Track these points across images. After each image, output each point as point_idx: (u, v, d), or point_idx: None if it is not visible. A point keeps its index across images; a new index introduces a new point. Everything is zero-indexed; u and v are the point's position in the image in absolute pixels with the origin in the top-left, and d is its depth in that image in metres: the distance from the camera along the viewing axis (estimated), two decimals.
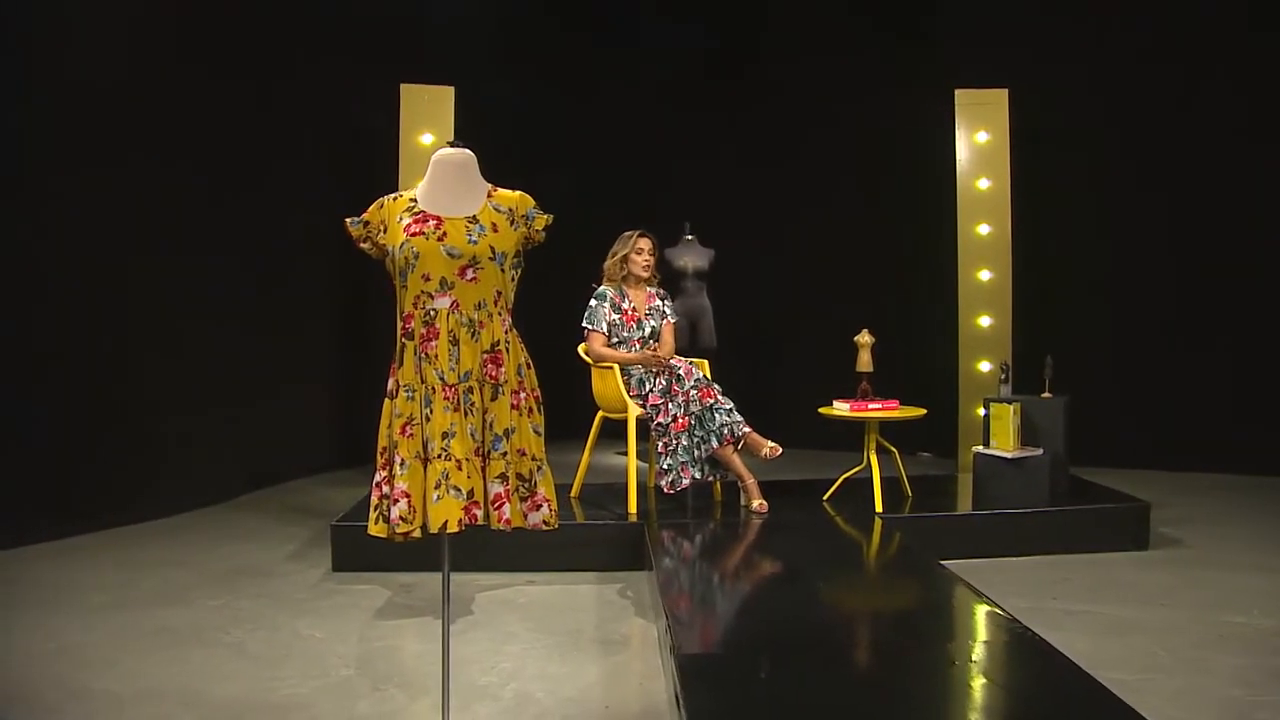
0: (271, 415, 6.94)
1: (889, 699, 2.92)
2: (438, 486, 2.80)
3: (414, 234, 2.88)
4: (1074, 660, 3.10)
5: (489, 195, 3.00)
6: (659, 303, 5.65)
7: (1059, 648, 3.22)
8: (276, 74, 6.85)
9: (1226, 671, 3.53)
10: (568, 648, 3.88)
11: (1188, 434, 7.20)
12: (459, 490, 2.79)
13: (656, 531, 4.91)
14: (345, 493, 6.42)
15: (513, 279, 3.01)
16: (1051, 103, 7.18)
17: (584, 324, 5.52)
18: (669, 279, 7.08)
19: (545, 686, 3.49)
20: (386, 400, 2.93)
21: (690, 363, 5.39)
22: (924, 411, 5.49)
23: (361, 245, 3.02)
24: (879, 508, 5.26)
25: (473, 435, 2.87)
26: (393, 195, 3.02)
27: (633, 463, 5.28)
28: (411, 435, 2.85)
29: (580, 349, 5.60)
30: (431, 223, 2.89)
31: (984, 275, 6.77)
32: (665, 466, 5.20)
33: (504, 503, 2.88)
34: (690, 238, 7.78)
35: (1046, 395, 5.68)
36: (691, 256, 7.76)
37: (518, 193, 3.05)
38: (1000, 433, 5.51)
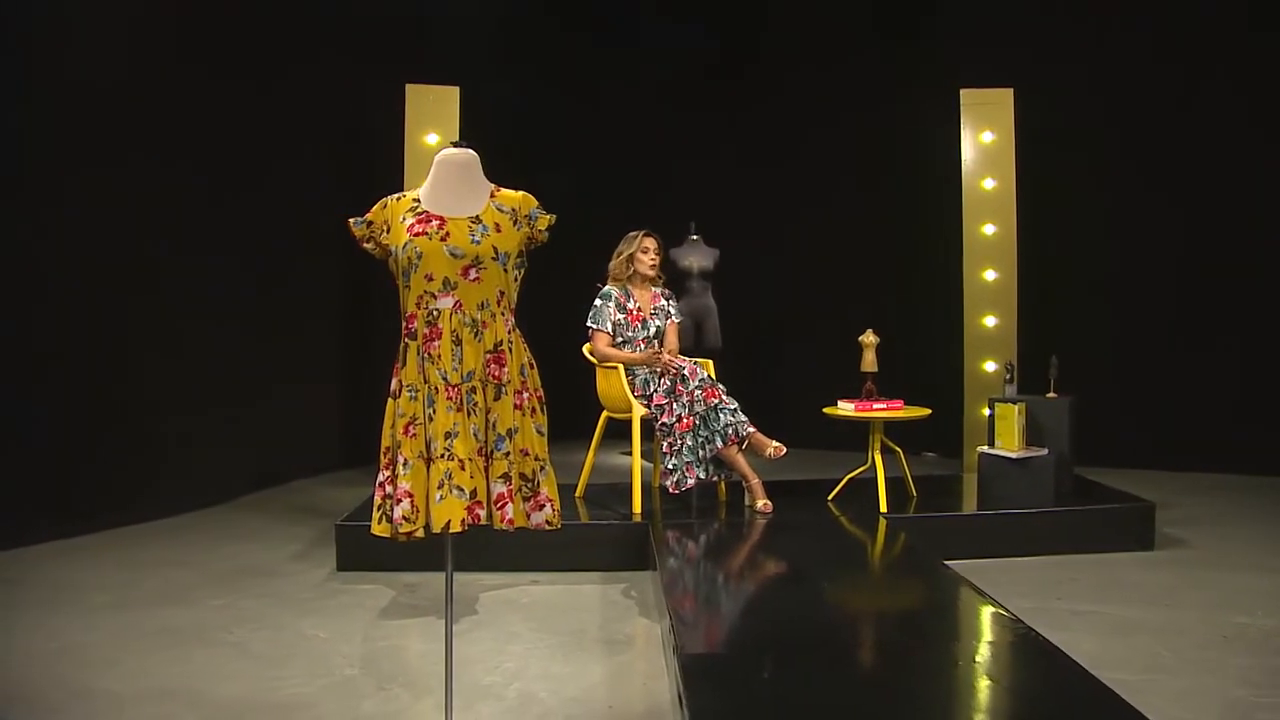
0: (275, 415, 6.94)
1: (893, 699, 2.92)
2: (441, 486, 2.79)
3: (417, 234, 2.88)
4: (1078, 661, 3.09)
5: (492, 195, 3.00)
6: (664, 303, 5.65)
7: (1063, 648, 3.21)
8: (278, 73, 6.86)
9: (1231, 672, 3.52)
10: (571, 648, 3.88)
11: (1193, 434, 7.18)
12: (462, 490, 2.79)
13: (661, 531, 4.91)
14: (350, 492, 6.42)
15: (515, 279, 3.01)
16: (1057, 102, 7.16)
17: (589, 323, 5.52)
18: (674, 279, 7.08)
19: (549, 686, 3.49)
20: (389, 400, 2.93)
21: (695, 363, 5.39)
22: (929, 411, 5.49)
23: (364, 245, 3.02)
24: (883, 508, 5.25)
25: (475, 435, 2.87)
26: (396, 195, 3.02)
27: (637, 463, 5.28)
28: (414, 435, 2.85)
29: (585, 349, 5.60)
30: (434, 223, 2.89)
31: (989, 275, 6.75)
32: (670, 466, 5.19)
33: (507, 503, 2.88)
34: (695, 238, 7.78)
35: (1051, 395, 5.67)
36: (697, 256, 7.76)
37: (520, 193, 3.05)
38: (1005, 433, 5.50)
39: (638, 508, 5.23)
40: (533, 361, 3.01)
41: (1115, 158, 7.35)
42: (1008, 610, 3.63)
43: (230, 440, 6.57)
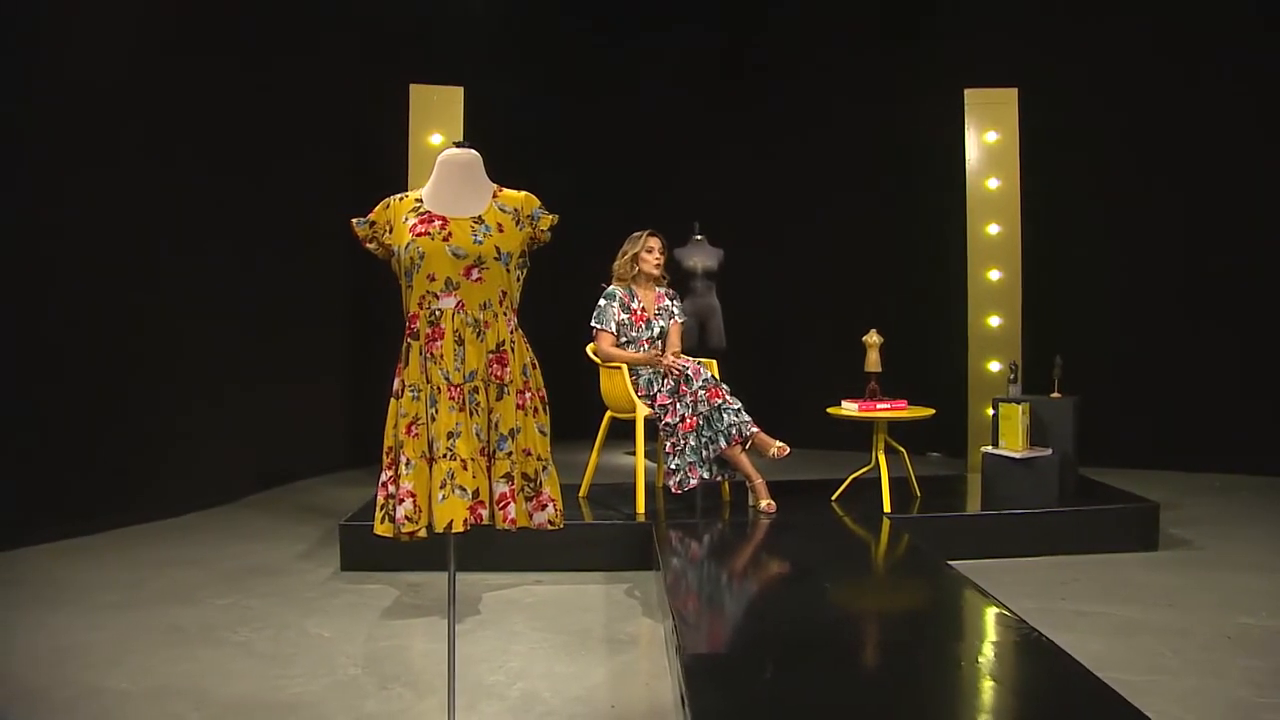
0: (281, 415, 6.96)
1: (896, 700, 2.91)
2: (443, 486, 2.80)
3: (419, 234, 2.89)
4: (1082, 662, 3.08)
5: (494, 195, 3.01)
6: (668, 303, 5.65)
7: (1067, 648, 3.21)
8: (282, 73, 6.88)
9: (1235, 673, 3.51)
10: (574, 647, 3.88)
11: (1197, 434, 7.18)
12: (464, 490, 2.80)
13: (664, 531, 4.91)
14: (355, 492, 6.44)
15: (518, 279, 3.01)
16: (1061, 102, 7.17)
17: (593, 323, 5.52)
18: (678, 279, 7.08)
19: (551, 686, 3.50)
20: (392, 400, 2.94)
21: (698, 363, 5.39)
22: (932, 411, 5.48)
23: (367, 245, 3.03)
24: (887, 508, 5.25)
25: (478, 435, 2.87)
26: (399, 195, 3.03)
27: (641, 463, 5.29)
28: (417, 435, 2.85)
29: (589, 349, 5.61)
30: (437, 223, 2.90)
31: (993, 275, 6.75)
32: (673, 466, 5.20)
33: (509, 502, 2.88)
34: (699, 238, 7.78)
35: (1056, 395, 5.67)
36: (701, 256, 7.76)
37: (523, 193, 3.05)
38: (1009, 433, 5.49)
39: (641, 508, 5.23)
40: (535, 361, 3.02)
41: (1119, 157, 7.35)
42: (1011, 611, 3.63)
43: (236, 440, 6.59)
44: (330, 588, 4.70)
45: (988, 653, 3.32)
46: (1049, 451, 5.46)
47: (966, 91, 6.81)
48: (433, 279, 2.87)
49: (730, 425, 5.17)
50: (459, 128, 6.34)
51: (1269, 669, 3.54)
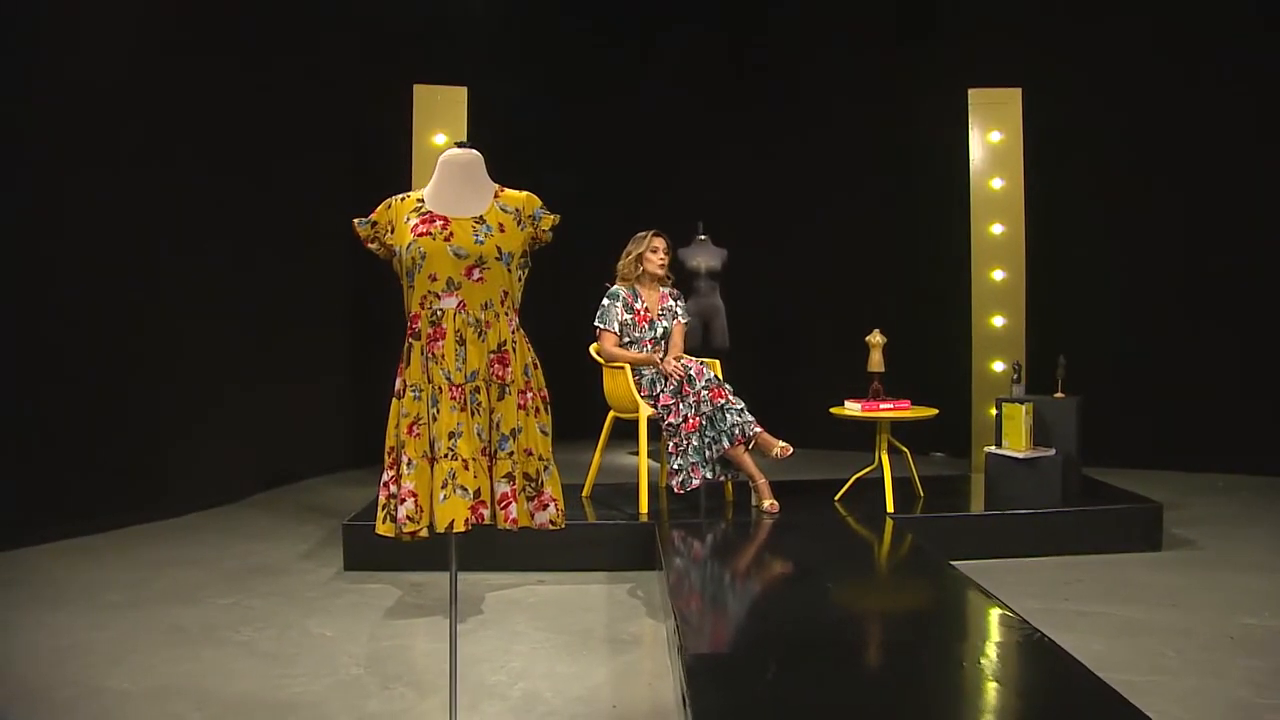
0: (282, 415, 6.97)
1: (898, 700, 2.91)
2: (444, 486, 2.80)
3: (421, 234, 2.88)
4: (1084, 662, 3.08)
5: (496, 195, 3.01)
6: (672, 303, 5.65)
7: (1070, 649, 3.20)
8: (284, 72, 6.88)
9: (1237, 673, 3.51)
10: (577, 647, 3.88)
11: (1201, 434, 7.17)
12: (465, 490, 2.80)
13: (667, 531, 4.91)
14: (359, 492, 6.45)
15: (519, 279, 3.01)
16: (1064, 102, 7.16)
17: (596, 323, 5.52)
18: (682, 279, 7.08)
19: (553, 686, 3.50)
20: (394, 400, 2.94)
21: (701, 363, 5.39)
22: (936, 411, 5.48)
23: (369, 245, 3.03)
24: (890, 508, 5.24)
25: (479, 435, 2.87)
26: (400, 196, 3.03)
27: (644, 463, 5.29)
28: (418, 435, 2.85)
29: (592, 349, 5.60)
30: (438, 223, 2.90)
31: (997, 275, 6.74)
32: (676, 467, 5.19)
33: (510, 502, 2.88)
34: (703, 238, 7.77)
35: (1059, 395, 5.66)
36: (704, 256, 7.76)
37: (525, 193, 3.05)
38: (1012, 433, 5.48)
39: (644, 508, 5.23)
40: (537, 361, 3.02)
41: (1120, 157, 7.34)
42: (1014, 611, 3.63)
43: (237, 440, 6.59)
44: (333, 587, 4.70)
45: (990, 653, 3.31)
46: (1052, 452, 5.45)
47: (970, 91, 6.80)
48: (434, 279, 2.87)
49: (733, 425, 5.16)
50: (463, 128, 6.33)
51: (1270, 669, 3.54)
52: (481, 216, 2.94)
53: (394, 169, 6.32)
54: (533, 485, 2.95)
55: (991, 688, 2.99)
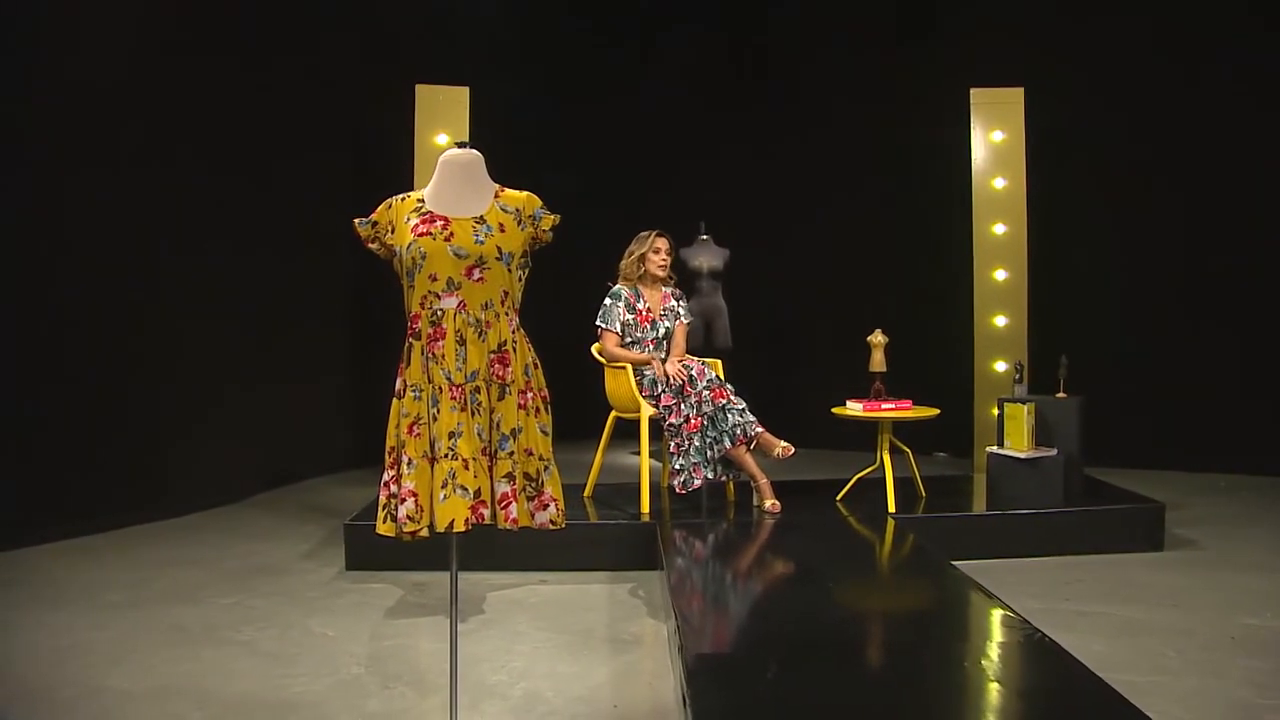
0: (283, 415, 6.97)
1: (899, 700, 2.91)
2: (444, 486, 2.80)
3: (421, 234, 2.88)
4: (1085, 663, 3.08)
5: (496, 195, 3.01)
6: (674, 303, 5.64)
7: (1071, 649, 3.20)
8: (286, 72, 6.88)
9: (1238, 674, 3.50)
10: (578, 647, 3.88)
11: (1203, 434, 7.16)
12: (466, 490, 2.80)
13: (668, 531, 4.91)
14: (361, 492, 6.44)
15: (520, 279, 3.01)
16: (1067, 102, 7.15)
17: (598, 323, 5.52)
18: (684, 279, 7.07)
19: (554, 685, 3.49)
20: (394, 400, 2.94)
21: (703, 363, 5.38)
22: (937, 411, 5.47)
23: (370, 245, 3.03)
24: (892, 508, 5.24)
25: (480, 435, 2.87)
26: (400, 196, 3.03)
27: (645, 463, 5.28)
28: (419, 435, 2.85)
29: (594, 348, 5.60)
30: (439, 223, 2.90)
31: (999, 275, 6.74)
32: (678, 467, 5.19)
33: (511, 502, 2.88)
34: (705, 238, 7.77)
35: (1061, 395, 5.65)
36: (707, 256, 7.75)
37: (525, 193, 3.05)
38: (1014, 433, 5.48)
39: (646, 507, 5.22)
40: (537, 361, 3.02)
41: (1120, 157, 7.34)
42: (1015, 611, 3.62)
43: (238, 440, 6.59)
44: (334, 587, 4.69)
45: (991, 653, 3.31)
46: (1054, 452, 5.45)
47: (972, 91, 6.79)
48: (434, 279, 2.87)
49: (735, 425, 5.16)
50: (465, 128, 6.32)
51: (1271, 670, 3.53)
52: (482, 216, 2.93)
53: (395, 169, 6.32)
54: (533, 485, 2.95)
55: (992, 688, 2.99)
